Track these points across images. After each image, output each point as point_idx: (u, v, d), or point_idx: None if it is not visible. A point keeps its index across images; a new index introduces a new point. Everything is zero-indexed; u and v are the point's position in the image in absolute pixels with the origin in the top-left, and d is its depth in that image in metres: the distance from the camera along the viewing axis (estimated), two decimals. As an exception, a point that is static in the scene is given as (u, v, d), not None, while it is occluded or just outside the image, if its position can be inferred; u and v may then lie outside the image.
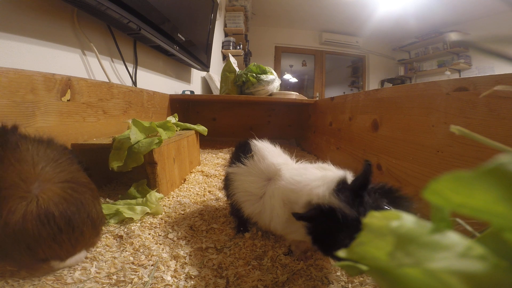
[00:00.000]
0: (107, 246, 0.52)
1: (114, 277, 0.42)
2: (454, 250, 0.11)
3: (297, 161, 0.56)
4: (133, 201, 0.67)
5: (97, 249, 0.50)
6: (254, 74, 1.77)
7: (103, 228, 0.58)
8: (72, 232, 0.41)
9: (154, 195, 0.68)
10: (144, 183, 0.74)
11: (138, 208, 0.64)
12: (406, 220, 0.13)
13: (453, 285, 0.11)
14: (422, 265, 0.11)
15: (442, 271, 0.11)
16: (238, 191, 0.55)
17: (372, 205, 0.36)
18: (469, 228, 0.22)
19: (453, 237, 0.12)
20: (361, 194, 0.36)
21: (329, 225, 0.36)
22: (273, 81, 1.79)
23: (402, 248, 0.12)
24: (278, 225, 0.47)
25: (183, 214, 0.67)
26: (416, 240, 0.12)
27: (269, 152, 0.55)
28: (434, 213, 0.13)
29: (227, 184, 0.59)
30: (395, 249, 0.12)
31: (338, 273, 0.47)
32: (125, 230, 0.57)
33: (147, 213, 0.65)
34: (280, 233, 0.50)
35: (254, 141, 0.58)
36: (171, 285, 0.41)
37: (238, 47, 3.36)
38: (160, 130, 0.78)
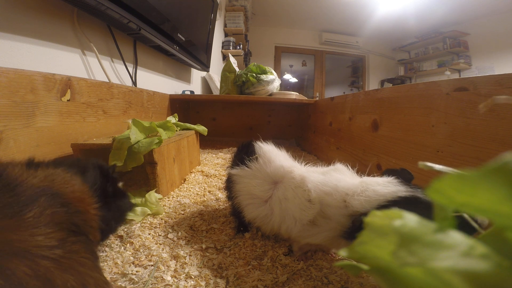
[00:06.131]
0: (107, 246, 0.52)
1: (115, 277, 0.42)
2: (457, 249, 0.11)
3: (305, 165, 0.53)
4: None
5: (97, 249, 0.50)
6: (254, 74, 1.77)
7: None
8: None
9: (153, 195, 0.68)
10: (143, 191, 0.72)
11: (138, 209, 0.64)
12: (409, 219, 0.13)
13: (455, 285, 0.11)
14: (426, 264, 0.11)
15: (446, 270, 0.11)
16: (240, 194, 0.53)
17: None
18: (474, 224, 0.22)
19: (456, 236, 0.12)
20: None
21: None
22: (273, 81, 1.79)
23: (405, 247, 0.12)
24: (293, 228, 0.45)
25: (183, 214, 0.67)
26: (420, 239, 0.12)
27: (275, 155, 0.53)
28: (437, 212, 0.13)
29: (229, 186, 0.58)
30: (399, 248, 0.12)
31: (338, 273, 0.46)
32: (125, 230, 0.57)
33: (148, 214, 0.65)
34: (292, 237, 0.48)
35: (258, 143, 0.56)
36: (171, 285, 0.41)
37: (238, 47, 3.36)
38: (160, 130, 0.78)
